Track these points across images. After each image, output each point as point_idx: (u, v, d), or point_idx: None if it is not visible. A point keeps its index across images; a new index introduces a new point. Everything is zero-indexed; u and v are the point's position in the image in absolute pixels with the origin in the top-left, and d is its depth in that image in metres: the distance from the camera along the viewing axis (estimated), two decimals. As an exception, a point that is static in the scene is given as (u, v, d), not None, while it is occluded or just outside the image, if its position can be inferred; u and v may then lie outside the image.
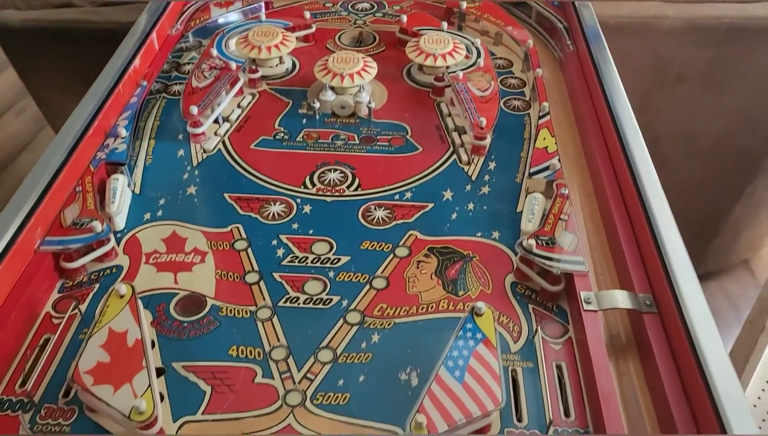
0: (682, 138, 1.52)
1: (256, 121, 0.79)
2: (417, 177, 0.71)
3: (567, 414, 0.50)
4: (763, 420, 0.99)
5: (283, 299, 0.58)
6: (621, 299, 0.55)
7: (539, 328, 0.56)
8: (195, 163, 0.73)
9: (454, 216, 0.66)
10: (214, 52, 0.83)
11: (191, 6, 0.93)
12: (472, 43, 0.87)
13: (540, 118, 0.74)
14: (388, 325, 0.56)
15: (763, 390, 1.01)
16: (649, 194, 0.60)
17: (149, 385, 0.47)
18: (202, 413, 0.49)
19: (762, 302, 1.28)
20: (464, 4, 0.95)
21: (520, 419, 0.49)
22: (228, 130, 0.77)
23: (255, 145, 0.75)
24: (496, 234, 0.64)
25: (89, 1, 1.42)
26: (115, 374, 0.48)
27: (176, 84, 0.85)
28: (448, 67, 0.83)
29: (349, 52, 0.82)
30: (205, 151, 0.74)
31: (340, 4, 1.03)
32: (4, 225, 0.57)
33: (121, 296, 0.53)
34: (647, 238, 0.57)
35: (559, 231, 0.60)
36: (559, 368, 0.53)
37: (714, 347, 0.48)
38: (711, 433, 0.44)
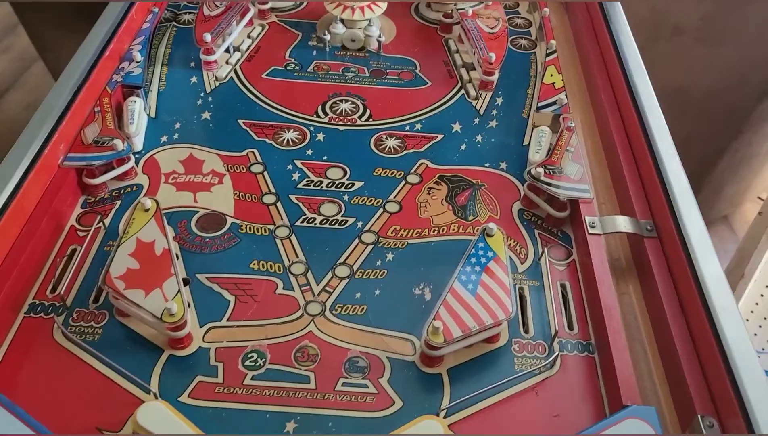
0: (674, 93, 1.54)
1: (267, 51, 0.80)
2: (426, 110, 0.73)
3: (570, 327, 0.53)
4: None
5: (300, 220, 0.60)
6: (623, 223, 0.58)
7: (545, 250, 0.59)
8: (208, 90, 0.74)
9: (463, 147, 0.69)
10: (225, -20, 0.84)
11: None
12: (480, -18, 0.88)
13: (547, 55, 0.76)
14: (402, 245, 0.58)
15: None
16: (652, 125, 0.63)
17: (179, 290, 0.49)
18: (227, 320, 0.52)
19: (741, 252, 1.33)
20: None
21: (527, 331, 0.53)
22: (239, 59, 0.78)
23: (266, 75, 0.76)
24: (503, 165, 0.67)
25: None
26: (145, 279, 0.50)
27: (186, 13, 0.85)
28: (456, 4, 0.84)
29: (359, -14, 0.83)
30: (217, 79, 0.75)
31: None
32: (29, 141, 0.58)
33: (146, 210, 0.55)
34: (649, 167, 0.60)
35: (565, 161, 0.62)
36: (563, 286, 0.56)
37: (711, 266, 0.51)
38: (706, 343, 0.48)
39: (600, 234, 0.57)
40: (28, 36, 1.53)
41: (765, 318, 1.09)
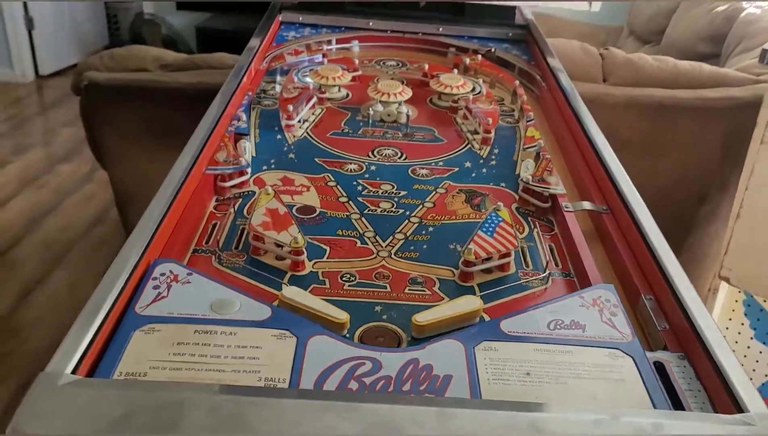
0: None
1: (327, 122, 1.11)
2: (444, 155, 1.03)
3: (556, 264, 0.79)
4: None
5: (366, 210, 0.87)
6: (587, 205, 0.86)
7: (536, 226, 0.86)
8: (290, 142, 1.03)
9: (473, 175, 0.98)
10: (295, 79, 1.17)
11: (274, 52, 1.28)
12: (476, 82, 1.23)
13: (527, 122, 1.08)
14: (438, 222, 0.85)
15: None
16: (603, 152, 0.93)
17: (299, 231, 0.75)
18: (326, 258, 0.77)
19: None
20: (467, 60, 1.32)
21: (527, 265, 0.78)
22: (309, 126, 1.09)
23: (330, 135, 1.07)
24: (503, 184, 0.96)
25: (159, 66, 1.77)
26: (276, 226, 0.76)
27: (266, 99, 1.17)
28: (458, 97, 1.17)
29: (391, 80, 1.16)
30: (295, 137, 1.05)
31: (374, 61, 1.39)
32: (184, 158, 0.86)
33: (268, 194, 0.82)
34: (603, 175, 0.89)
35: (546, 174, 0.91)
36: (550, 247, 0.83)
37: (653, 230, 0.78)
38: (649, 265, 0.74)
39: (572, 211, 0.85)
40: (99, 147, 1.84)
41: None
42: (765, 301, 1.42)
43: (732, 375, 0.56)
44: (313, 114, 1.13)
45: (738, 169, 1.80)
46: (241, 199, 0.88)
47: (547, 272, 0.77)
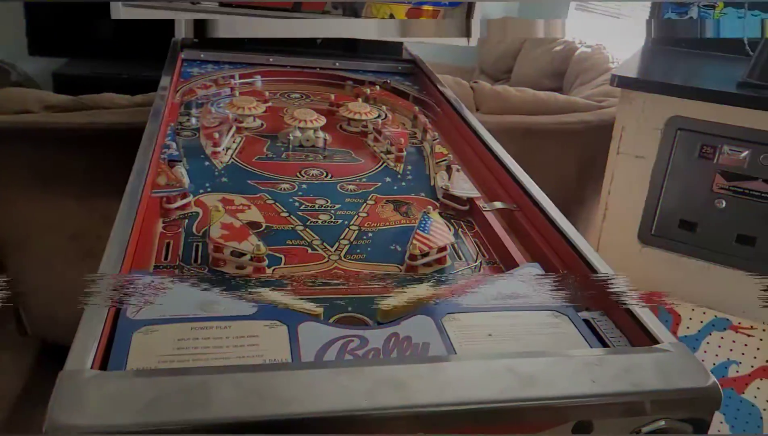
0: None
1: (250, 149, 1.17)
2: (365, 173, 1.13)
3: (484, 256, 0.91)
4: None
5: (308, 222, 0.94)
6: (498, 204, 0.99)
7: (460, 226, 0.98)
8: (219, 167, 1.08)
9: (395, 187, 1.08)
10: (212, 110, 1.22)
11: (183, 87, 1.32)
12: (380, 109, 1.34)
13: (433, 141, 1.21)
14: (376, 229, 0.95)
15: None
16: (504, 159, 1.08)
17: (259, 241, 0.81)
18: (284, 265, 0.83)
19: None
20: (368, 90, 1.44)
21: (460, 258, 0.90)
22: (233, 153, 1.14)
23: (256, 159, 1.13)
24: (422, 194, 1.07)
25: (43, 106, 1.72)
26: (236, 237, 0.81)
27: (185, 131, 1.21)
28: (366, 122, 1.28)
29: (304, 109, 1.25)
30: (222, 163, 1.10)
31: (278, 94, 1.47)
32: (133, 185, 0.88)
33: (219, 210, 0.87)
34: (507, 178, 1.03)
35: (459, 182, 1.04)
36: (475, 242, 0.95)
37: (561, 217, 0.92)
38: (558, 243, 0.87)
39: (488, 211, 0.98)
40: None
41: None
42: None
43: (645, 319, 0.70)
44: (234, 142, 1.19)
45: (592, 182, 2.06)
46: (187, 220, 0.92)
47: (478, 260, 0.89)
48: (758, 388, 1.45)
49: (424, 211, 0.93)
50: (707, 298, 1.48)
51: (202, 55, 1.53)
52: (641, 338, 0.69)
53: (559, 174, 2.10)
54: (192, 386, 0.54)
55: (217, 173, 1.07)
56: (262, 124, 1.29)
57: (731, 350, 1.47)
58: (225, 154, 1.13)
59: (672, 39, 1.77)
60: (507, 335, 0.68)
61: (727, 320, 1.46)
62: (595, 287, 0.79)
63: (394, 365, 0.59)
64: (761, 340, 1.44)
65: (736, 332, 1.46)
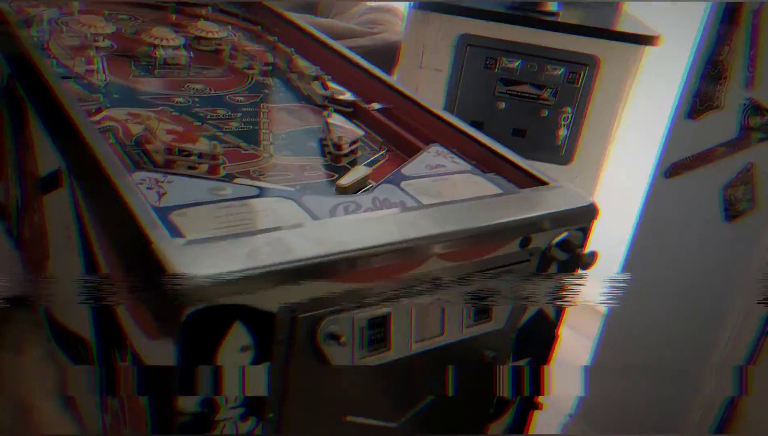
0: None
1: (117, 69, 1.15)
2: (241, 86, 1.20)
3: (386, 146, 1.08)
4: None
5: (224, 127, 1.01)
6: (377, 105, 1.16)
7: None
8: (100, 85, 1.06)
9: (280, 95, 1.18)
10: (64, 29, 1.15)
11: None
12: (226, 28, 1.39)
13: (291, 55, 1.32)
14: (286, 131, 1.05)
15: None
16: (359, 62, 1.24)
17: (212, 140, 0.87)
18: (231, 163, 0.91)
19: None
20: (204, 11, 1.46)
21: (368, 149, 1.06)
22: (104, 72, 1.12)
23: (132, 77, 1.12)
24: (304, 102, 1.19)
25: None
26: (187, 140, 0.86)
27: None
28: (218, 40, 1.33)
29: (161, 27, 1.25)
30: (100, 81, 1.08)
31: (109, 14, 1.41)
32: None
33: (152, 119, 0.89)
34: (374, 82, 1.21)
35: (338, 88, 1.18)
36: (375, 134, 1.11)
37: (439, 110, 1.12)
38: (457, 138, 1.08)
39: (373, 110, 1.14)
40: None
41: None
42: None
43: (535, 172, 0.95)
44: (97, 62, 1.15)
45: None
46: (110, 132, 0.92)
47: (384, 149, 1.06)
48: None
49: (326, 114, 1.06)
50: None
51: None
52: (528, 183, 0.94)
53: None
54: (270, 240, 0.63)
55: (104, 90, 1.05)
56: (112, 45, 1.25)
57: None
58: (97, 72, 1.10)
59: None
60: (447, 191, 0.88)
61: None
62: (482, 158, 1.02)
63: (402, 212, 0.75)
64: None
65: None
